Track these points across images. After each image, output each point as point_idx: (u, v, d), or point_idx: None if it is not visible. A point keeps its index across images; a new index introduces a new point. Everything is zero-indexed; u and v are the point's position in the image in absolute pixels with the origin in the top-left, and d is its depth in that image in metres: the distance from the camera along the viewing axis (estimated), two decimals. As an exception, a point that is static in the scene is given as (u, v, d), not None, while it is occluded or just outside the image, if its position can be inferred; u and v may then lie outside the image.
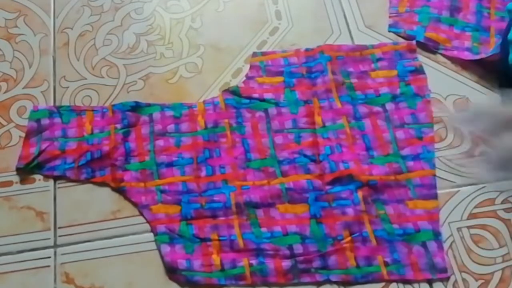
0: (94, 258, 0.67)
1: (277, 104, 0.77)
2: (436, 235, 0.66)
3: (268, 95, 0.77)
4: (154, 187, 0.71)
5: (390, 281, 0.65)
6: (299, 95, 0.77)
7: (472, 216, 0.68)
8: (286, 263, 0.66)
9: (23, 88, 0.80)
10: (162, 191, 0.71)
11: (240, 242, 0.67)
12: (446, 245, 0.66)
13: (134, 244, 0.68)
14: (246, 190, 0.70)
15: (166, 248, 0.67)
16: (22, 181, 0.73)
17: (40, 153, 0.73)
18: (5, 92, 0.80)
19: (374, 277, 0.65)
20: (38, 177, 0.73)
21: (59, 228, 0.70)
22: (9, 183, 0.73)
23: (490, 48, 0.80)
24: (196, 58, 0.82)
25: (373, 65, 0.80)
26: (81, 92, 0.79)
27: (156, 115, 0.76)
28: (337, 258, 0.66)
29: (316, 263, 0.66)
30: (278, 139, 0.74)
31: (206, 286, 0.65)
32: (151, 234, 0.69)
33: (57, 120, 0.76)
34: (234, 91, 0.78)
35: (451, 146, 0.73)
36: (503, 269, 0.65)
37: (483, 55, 0.78)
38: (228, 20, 0.86)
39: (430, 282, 0.65)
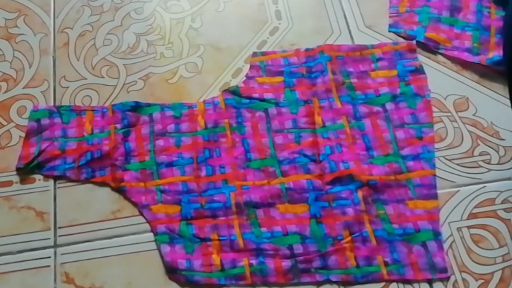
0: (94, 258, 0.67)
1: (277, 104, 0.77)
2: (436, 235, 0.66)
3: (268, 95, 0.77)
4: (154, 187, 0.71)
5: (390, 281, 0.65)
6: (299, 95, 0.77)
7: (472, 216, 0.68)
8: (286, 263, 0.66)
9: (23, 88, 0.80)
10: (162, 191, 0.71)
11: (240, 242, 0.67)
12: (446, 245, 0.66)
13: (134, 244, 0.68)
14: (246, 190, 0.70)
15: (166, 248, 0.67)
16: (22, 181, 0.73)
17: (40, 153, 0.73)
18: (5, 92, 0.80)
19: (374, 277, 0.65)
20: (38, 177, 0.73)
21: (59, 228, 0.70)
22: (9, 183, 0.73)
23: (490, 49, 0.80)
24: (196, 58, 0.82)
25: (373, 65, 0.79)
26: (81, 92, 0.79)
27: (156, 115, 0.76)
28: (337, 258, 0.66)
29: (316, 263, 0.66)
30: (278, 139, 0.74)
31: (206, 286, 0.65)
32: (151, 234, 0.69)
33: (57, 120, 0.76)
34: (234, 91, 0.78)
35: (451, 146, 0.73)
36: (503, 269, 0.65)
37: (483, 58, 0.78)
38: (228, 20, 0.86)
39: (430, 282, 0.65)
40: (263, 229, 0.68)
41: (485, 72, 0.79)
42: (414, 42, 0.81)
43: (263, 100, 0.77)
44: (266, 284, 0.65)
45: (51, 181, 0.73)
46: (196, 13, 0.87)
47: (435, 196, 0.69)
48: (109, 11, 0.87)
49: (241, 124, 0.75)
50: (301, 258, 0.66)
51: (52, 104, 0.79)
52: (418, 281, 0.65)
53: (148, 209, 0.70)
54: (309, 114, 0.75)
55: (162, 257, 0.67)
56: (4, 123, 0.77)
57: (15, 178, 0.73)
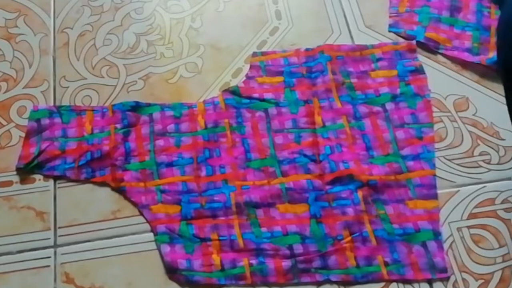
0: (94, 258, 0.67)
1: (277, 104, 0.77)
2: (436, 235, 0.66)
3: (268, 95, 0.77)
4: (154, 187, 0.71)
5: (390, 281, 0.65)
6: (299, 95, 0.77)
7: (472, 216, 0.68)
8: (286, 263, 0.66)
9: (23, 88, 0.80)
10: (162, 191, 0.71)
11: (240, 242, 0.67)
12: (446, 245, 0.66)
13: (134, 244, 0.68)
14: (246, 190, 0.70)
15: (166, 248, 0.67)
16: (22, 181, 0.73)
17: (40, 153, 0.73)
18: (5, 92, 0.80)
19: (374, 277, 0.65)
20: (38, 177, 0.73)
21: (59, 228, 0.70)
22: (9, 183, 0.73)
23: (490, 49, 0.80)
24: (196, 58, 0.82)
25: (373, 65, 0.79)
26: (81, 92, 0.79)
27: (156, 115, 0.76)
28: (337, 258, 0.66)
29: (316, 263, 0.66)
30: (278, 139, 0.74)
31: (206, 286, 0.65)
32: (151, 234, 0.69)
33: (57, 120, 0.76)
34: (234, 91, 0.78)
35: (451, 146, 0.73)
36: (503, 269, 0.65)
37: (483, 58, 0.78)
38: (228, 20, 0.86)
39: (430, 282, 0.65)
40: (263, 229, 0.68)
41: (485, 72, 0.79)
42: (414, 42, 0.81)
43: (263, 100, 0.77)
44: (266, 284, 0.65)
45: (51, 181, 0.73)
46: (196, 13, 0.87)
47: (435, 196, 0.69)
48: (109, 11, 0.87)
49: (241, 124, 0.75)
50: (301, 258, 0.66)
51: (52, 104, 0.79)
52: (418, 281, 0.65)
53: (148, 209, 0.70)
54: (309, 114, 0.75)
55: (162, 257, 0.67)
56: (4, 123, 0.77)
57: (15, 178, 0.73)
